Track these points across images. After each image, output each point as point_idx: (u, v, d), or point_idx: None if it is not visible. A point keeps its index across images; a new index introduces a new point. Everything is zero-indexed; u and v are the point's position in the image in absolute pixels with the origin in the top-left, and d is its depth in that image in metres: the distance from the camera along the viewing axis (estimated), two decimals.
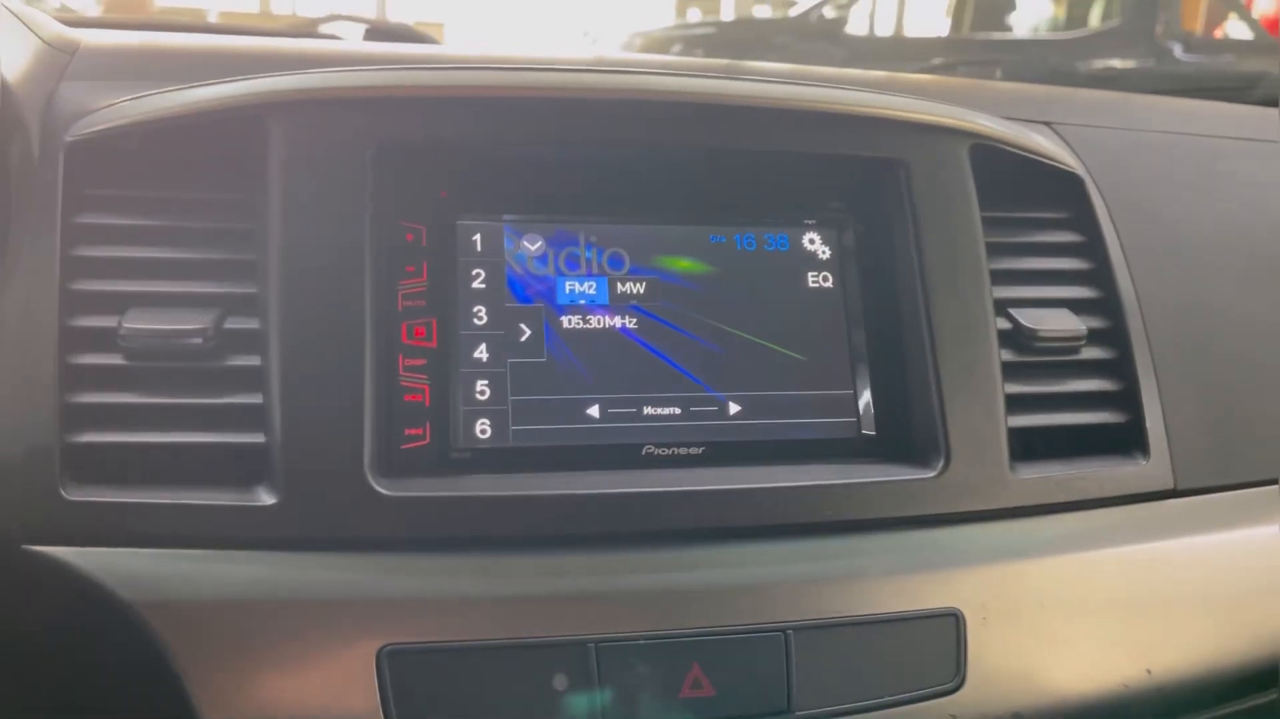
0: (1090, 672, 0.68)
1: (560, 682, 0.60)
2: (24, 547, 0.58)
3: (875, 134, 0.72)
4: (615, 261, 0.70)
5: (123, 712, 0.60)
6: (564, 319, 0.68)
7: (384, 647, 0.58)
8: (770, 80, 0.76)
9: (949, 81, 1.29)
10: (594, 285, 0.70)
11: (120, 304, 0.63)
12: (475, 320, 0.67)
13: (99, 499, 0.59)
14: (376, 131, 0.65)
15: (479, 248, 0.68)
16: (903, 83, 0.98)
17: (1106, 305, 0.78)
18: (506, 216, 0.69)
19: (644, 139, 0.70)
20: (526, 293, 0.68)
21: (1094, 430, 0.75)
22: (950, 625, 0.65)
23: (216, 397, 0.62)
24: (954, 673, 0.65)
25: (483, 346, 0.67)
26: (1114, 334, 0.77)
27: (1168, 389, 0.76)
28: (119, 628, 0.57)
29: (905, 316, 0.71)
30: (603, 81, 0.70)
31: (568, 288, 0.69)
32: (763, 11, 8.22)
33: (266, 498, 0.60)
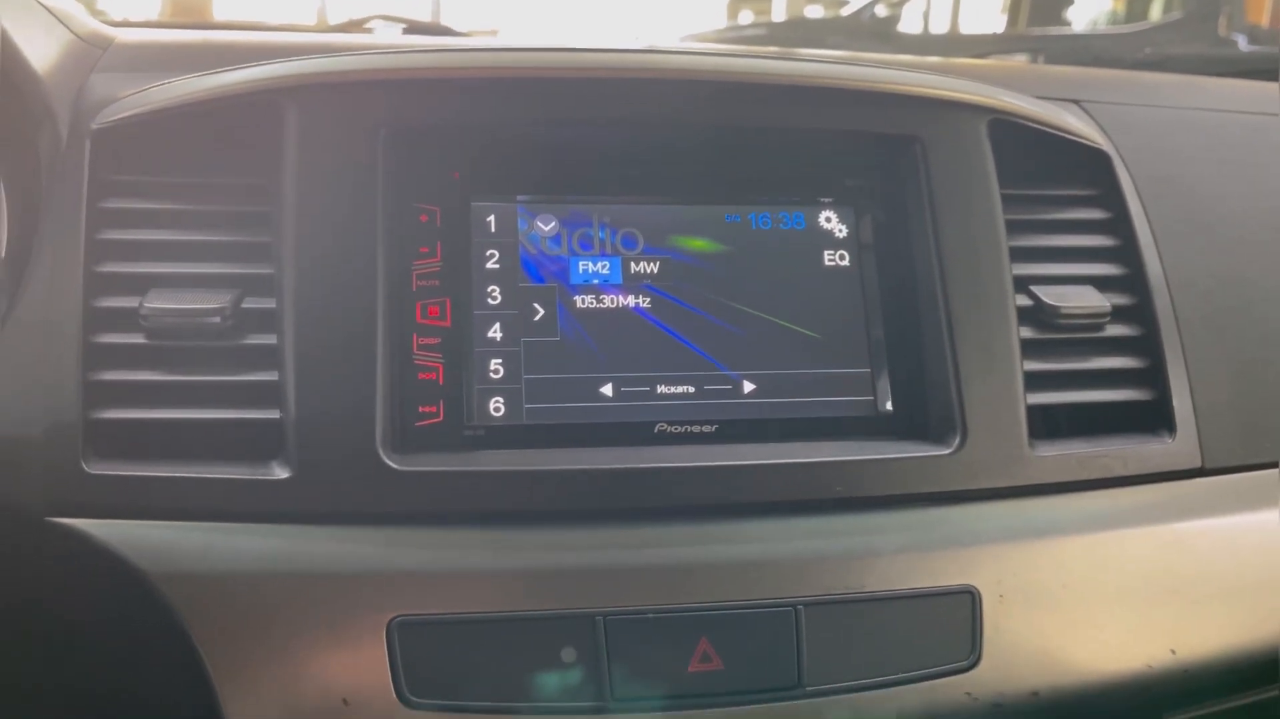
0: (1112, 652, 0.67)
1: (568, 654, 0.60)
2: (46, 518, 0.60)
3: (889, 110, 0.72)
4: (629, 241, 0.70)
5: (139, 680, 0.62)
6: (577, 299, 0.69)
7: (394, 618, 0.59)
8: (783, 58, 0.76)
9: (976, 63, 1.27)
10: (607, 265, 0.70)
11: (142, 285, 0.65)
12: (489, 300, 0.68)
13: (119, 473, 0.61)
14: (389, 113, 0.66)
15: (493, 228, 0.69)
16: (928, 65, 0.97)
17: (1132, 282, 0.77)
18: (520, 197, 0.70)
19: (656, 117, 0.70)
20: (540, 273, 0.69)
21: (1119, 409, 0.73)
22: (965, 603, 0.65)
23: (233, 374, 0.64)
24: (969, 650, 0.64)
25: (496, 326, 0.67)
26: (1140, 311, 0.76)
27: (1196, 366, 0.74)
28: (136, 598, 0.58)
29: (922, 294, 0.71)
30: (613, 60, 0.71)
31: (581, 268, 0.70)
32: (814, 12, 8.17)
33: (281, 472, 0.61)
